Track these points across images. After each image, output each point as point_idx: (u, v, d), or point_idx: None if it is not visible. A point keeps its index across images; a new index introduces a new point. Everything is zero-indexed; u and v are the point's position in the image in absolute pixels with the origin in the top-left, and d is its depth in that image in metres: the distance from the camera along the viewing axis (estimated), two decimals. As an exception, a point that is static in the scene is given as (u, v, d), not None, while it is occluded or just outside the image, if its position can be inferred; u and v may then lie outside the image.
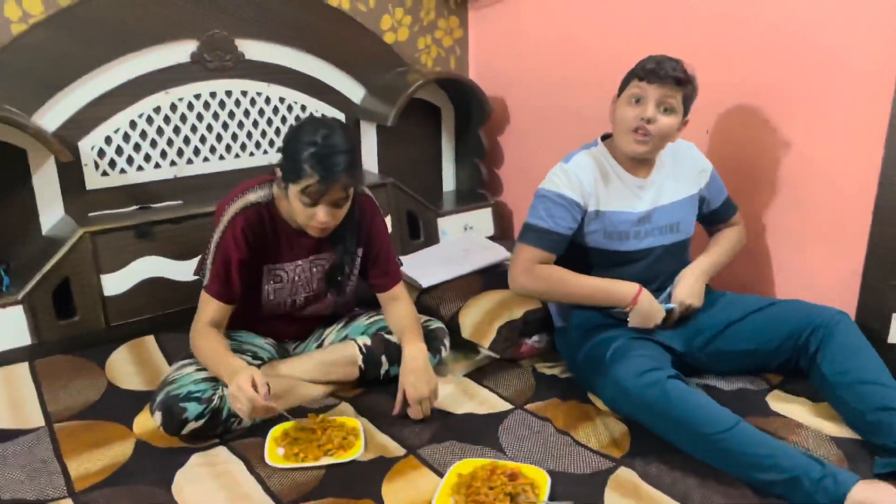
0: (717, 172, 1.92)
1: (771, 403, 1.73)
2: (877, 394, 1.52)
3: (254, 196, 1.70)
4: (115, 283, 2.08)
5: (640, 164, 1.81)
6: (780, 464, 1.39)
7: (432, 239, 2.69)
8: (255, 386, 1.51)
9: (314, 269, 1.81)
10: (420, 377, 1.70)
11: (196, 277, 1.81)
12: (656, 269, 1.84)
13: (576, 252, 1.84)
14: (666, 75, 1.67)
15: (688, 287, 1.82)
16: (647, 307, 1.76)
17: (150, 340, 2.10)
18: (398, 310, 1.86)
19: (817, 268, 2.00)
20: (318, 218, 1.62)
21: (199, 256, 1.80)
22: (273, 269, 1.77)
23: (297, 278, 1.80)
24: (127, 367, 1.98)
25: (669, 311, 1.79)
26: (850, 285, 1.89)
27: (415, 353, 1.74)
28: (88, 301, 2.05)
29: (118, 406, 1.78)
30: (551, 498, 1.41)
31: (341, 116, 2.58)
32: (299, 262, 1.79)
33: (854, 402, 1.55)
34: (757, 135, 2.04)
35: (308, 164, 1.55)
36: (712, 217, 1.96)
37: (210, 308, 1.70)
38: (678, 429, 1.50)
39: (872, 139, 1.79)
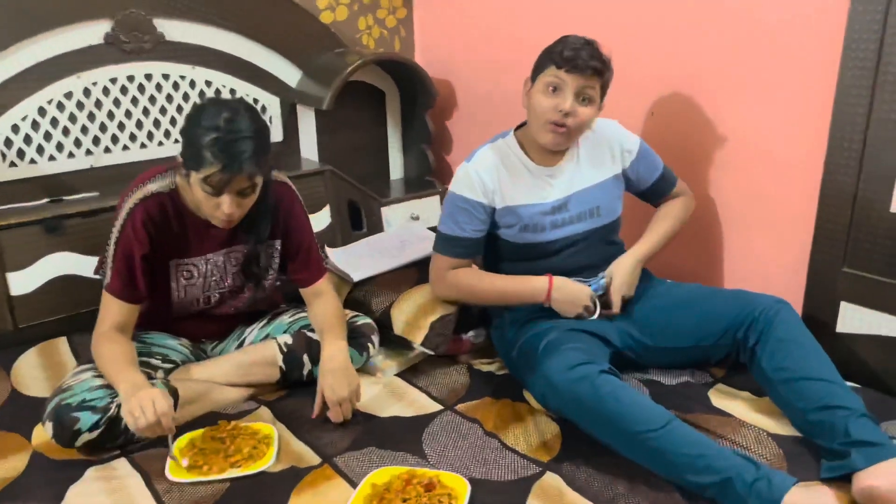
0: (647, 147, 1.81)
1: (713, 399, 1.64)
2: (819, 391, 1.43)
3: (154, 186, 1.57)
4: (23, 282, 1.93)
5: (550, 152, 1.71)
6: (712, 465, 1.30)
7: (376, 229, 2.57)
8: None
9: (228, 264, 1.69)
10: (339, 378, 1.59)
11: (98, 277, 1.68)
12: (581, 257, 1.75)
13: (495, 246, 1.75)
14: (585, 65, 1.57)
15: (622, 277, 1.73)
16: (565, 292, 1.68)
17: (61, 343, 1.96)
18: (321, 306, 1.74)
19: (763, 254, 1.91)
20: (223, 209, 1.49)
21: (100, 256, 1.67)
22: (181, 263, 1.64)
23: (209, 273, 1.68)
24: (34, 371, 1.84)
25: (598, 294, 1.71)
26: (798, 272, 1.81)
27: (333, 352, 1.63)
28: (-7, 302, 1.91)
29: (19, 414, 1.65)
30: (470, 508, 1.31)
31: (275, 101, 2.45)
32: (210, 256, 1.66)
33: (795, 400, 1.46)
34: (702, 117, 1.94)
35: (209, 152, 1.42)
36: (650, 194, 1.87)
37: (113, 309, 1.57)
38: (608, 427, 1.40)
39: (818, 121, 1.70)
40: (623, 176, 1.80)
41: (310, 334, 1.73)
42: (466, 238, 1.72)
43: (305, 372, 1.72)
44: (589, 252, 1.75)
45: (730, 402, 1.62)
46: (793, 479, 1.28)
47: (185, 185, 1.56)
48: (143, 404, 1.39)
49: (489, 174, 1.70)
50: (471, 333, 1.90)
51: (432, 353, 1.83)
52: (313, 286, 1.75)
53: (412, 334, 1.81)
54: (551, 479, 1.39)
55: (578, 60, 1.56)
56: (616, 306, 1.72)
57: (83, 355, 1.87)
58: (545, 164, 1.72)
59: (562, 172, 1.73)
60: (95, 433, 1.46)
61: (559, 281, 1.68)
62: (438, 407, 1.66)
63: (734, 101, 1.87)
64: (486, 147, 1.76)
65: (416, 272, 2.00)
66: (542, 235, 1.72)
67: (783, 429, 1.51)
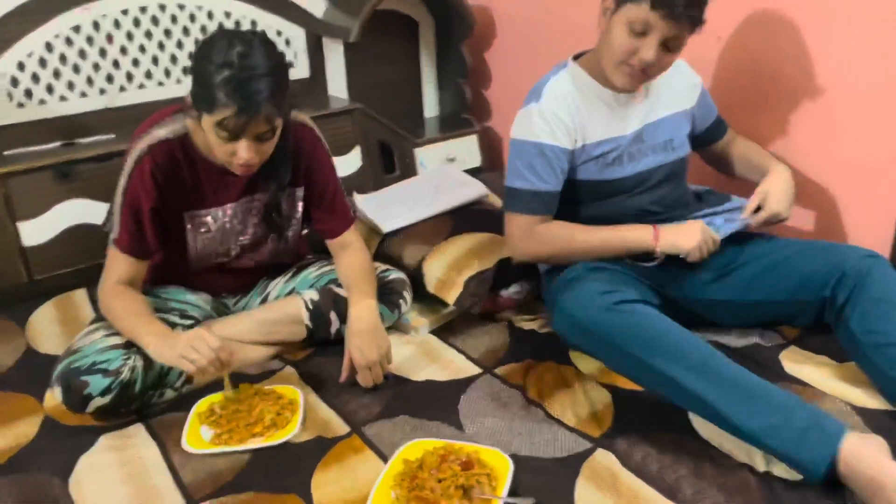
0: (705, 89, 1.65)
1: (785, 364, 1.46)
2: None
3: (162, 131, 1.42)
4: (36, 232, 1.83)
5: None
6: (760, 408, 1.17)
7: (410, 173, 2.40)
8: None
9: (247, 214, 1.55)
10: (368, 339, 1.45)
11: (106, 230, 1.55)
12: (657, 196, 1.56)
13: (570, 187, 1.55)
14: (682, 13, 1.33)
15: (779, 192, 1.51)
16: (675, 227, 1.48)
17: (79, 295, 1.87)
18: (348, 259, 1.59)
19: (845, 202, 1.69)
20: (240, 155, 1.33)
21: (109, 206, 1.53)
22: (196, 216, 1.50)
23: (227, 225, 1.53)
24: (51, 326, 1.75)
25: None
26: (884, 222, 1.59)
27: (361, 312, 1.49)
28: (4, 252, 1.80)
29: (34, 374, 1.56)
30: (512, 489, 1.17)
31: (300, 33, 2.26)
32: (228, 207, 1.52)
33: (889, 368, 1.28)
34: (777, 43, 1.70)
35: (222, 92, 1.26)
36: (705, 137, 1.69)
37: (120, 265, 1.45)
38: (636, 361, 1.27)
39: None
40: (691, 112, 1.62)
41: (337, 290, 1.59)
42: (548, 192, 1.50)
43: (333, 330, 1.59)
44: (662, 193, 1.57)
45: (806, 367, 1.44)
46: (844, 424, 1.16)
47: (196, 128, 1.40)
48: (194, 345, 1.29)
49: (567, 111, 1.50)
50: (511, 289, 1.74)
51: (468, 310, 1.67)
52: (340, 237, 1.60)
53: (445, 293, 1.65)
54: (603, 458, 1.24)
55: (678, 7, 1.32)
56: (757, 220, 1.51)
57: (101, 309, 1.77)
58: (620, 92, 1.51)
59: (636, 102, 1.54)
60: (108, 398, 1.35)
61: (666, 227, 1.49)
62: (476, 370, 1.52)
63: (815, 26, 1.62)
64: (554, 81, 1.53)
65: (451, 221, 1.83)
66: (620, 170, 1.53)
67: (871, 401, 1.33)
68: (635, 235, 1.49)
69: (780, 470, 1.19)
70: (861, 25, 1.56)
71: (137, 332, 1.37)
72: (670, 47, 1.39)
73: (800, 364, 1.46)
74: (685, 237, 1.46)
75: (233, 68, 1.25)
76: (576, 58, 1.56)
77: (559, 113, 1.49)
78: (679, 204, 1.60)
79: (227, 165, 1.39)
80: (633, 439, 1.28)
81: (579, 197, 1.57)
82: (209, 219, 1.51)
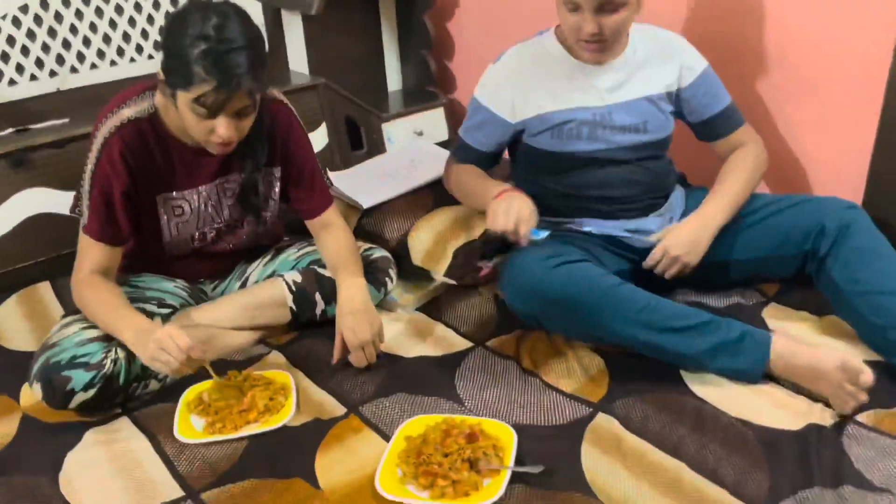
0: (714, 76, 1.57)
1: (769, 321, 1.49)
2: None
3: (130, 111, 1.35)
4: (-6, 224, 1.74)
5: None
6: (699, 332, 1.32)
7: (377, 149, 2.35)
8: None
9: (222, 196, 1.49)
10: (360, 319, 1.43)
11: (74, 216, 1.48)
12: (623, 173, 1.53)
13: (529, 155, 1.57)
14: None
15: (684, 234, 1.47)
16: (510, 202, 1.39)
17: (44, 288, 1.78)
18: (331, 239, 1.56)
19: (819, 157, 1.73)
20: (219, 133, 1.28)
21: (75, 191, 1.46)
22: (170, 199, 1.44)
23: (202, 207, 1.48)
24: (16, 322, 1.67)
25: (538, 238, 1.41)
26: (858, 173, 1.63)
27: (351, 292, 1.46)
28: (-39, 247, 1.71)
29: (4, 371, 1.50)
30: (518, 459, 1.17)
31: (256, 6, 2.18)
32: (202, 189, 1.46)
33: (872, 316, 1.32)
34: (748, 3, 1.71)
35: (200, 67, 1.19)
36: (707, 128, 1.59)
37: (93, 252, 1.38)
38: (585, 315, 1.35)
39: (888, 14, 1.48)
40: (677, 96, 1.56)
41: (321, 271, 1.56)
42: (471, 147, 1.61)
43: (318, 312, 1.55)
44: (632, 168, 1.54)
45: (789, 323, 1.48)
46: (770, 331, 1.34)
47: (167, 106, 1.34)
48: (164, 346, 1.23)
49: (510, 81, 1.53)
50: (495, 260, 1.73)
51: (455, 283, 1.66)
52: (320, 216, 1.56)
53: (433, 264, 1.64)
54: (605, 421, 1.25)
55: None
56: (658, 269, 1.49)
57: (70, 301, 1.69)
58: (591, 62, 1.50)
59: (609, 75, 1.51)
60: (91, 392, 1.29)
61: (514, 193, 1.43)
62: (468, 344, 1.51)
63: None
64: (518, 47, 1.55)
65: (431, 195, 1.80)
66: (577, 144, 1.51)
67: (854, 351, 1.37)
68: (485, 190, 1.49)
69: (772, 420, 1.22)
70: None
71: (115, 327, 1.32)
72: (607, 11, 1.38)
73: (782, 320, 1.49)
74: (502, 216, 1.38)
75: (210, 41, 1.20)
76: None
77: (501, 82, 1.54)
78: (653, 188, 1.57)
79: (203, 144, 1.34)
80: (630, 401, 1.29)
81: (541, 167, 1.57)
82: (183, 202, 1.46)
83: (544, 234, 1.39)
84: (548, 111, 1.51)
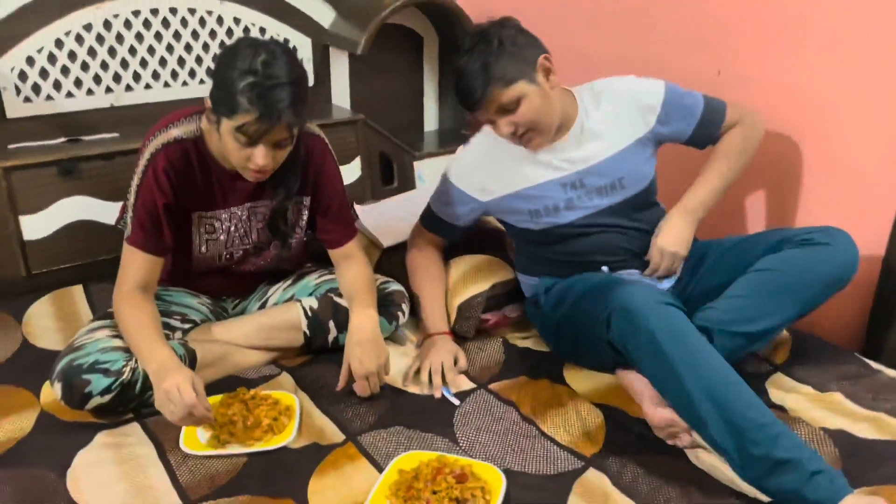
0: (676, 91, 1.57)
1: (771, 391, 1.50)
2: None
3: (178, 131, 1.44)
4: (37, 226, 1.83)
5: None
6: (775, 439, 1.15)
7: (407, 185, 2.43)
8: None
9: (253, 219, 1.57)
10: (367, 350, 1.48)
11: (120, 227, 1.56)
12: (612, 235, 1.57)
13: (519, 232, 1.64)
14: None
15: (671, 233, 1.55)
16: (432, 347, 1.58)
17: (76, 291, 1.87)
18: (350, 270, 1.62)
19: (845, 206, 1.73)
20: (256, 161, 1.35)
21: (122, 203, 1.55)
22: (205, 217, 1.52)
23: (233, 228, 1.55)
24: (46, 321, 1.75)
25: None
26: (872, 264, 1.64)
27: (362, 322, 1.51)
28: (5, 245, 1.81)
29: (29, 368, 1.57)
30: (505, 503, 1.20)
31: (307, 42, 2.29)
32: (235, 210, 1.54)
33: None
34: (776, 78, 1.75)
35: (245, 98, 1.28)
36: (701, 139, 1.62)
37: (136, 263, 1.44)
38: (679, 364, 1.23)
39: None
40: (652, 136, 1.58)
41: (337, 299, 1.61)
42: (442, 221, 1.70)
43: (330, 339, 1.61)
44: (622, 230, 1.58)
45: (788, 395, 1.48)
46: (848, 488, 1.14)
47: (211, 131, 1.42)
48: (170, 396, 1.27)
49: (479, 163, 1.63)
50: (507, 308, 1.77)
51: (465, 336, 1.70)
52: (343, 248, 1.63)
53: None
54: (594, 477, 1.27)
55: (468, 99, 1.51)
56: (660, 269, 1.56)
57: (99, 307, 1.78)
58: (550, 143, 1.55)
59: (571, 146, 1.56)
60: (107, 397, 1.36)
61: (439, 339, 1.61)
62: (471, 385, 1.54)
63: (815, 61, 1.68)
64: (484, 130, 1.63)
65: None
66: (557, 218, 1.57)
67: (840, 425, 1.36)
68: (426, 323, 1.66)
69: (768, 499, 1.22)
70: (862, 62, 1.61)
71: (142, 355, 1.36)
72: (509, 110, 1.46)
73: (783, 392, 1.49)
74: (426, 359, 1.55)
75: (256, 76, 1.28)
76: None
77: (471, 163, 1.64)
78: (653, 224, 1.59)
79: (240, 170, 1.41)
80: (623, 459, 1.31)
81: (531, 241, 1.63)
82: (216, 221, 1.53)
83: (455, 400, 1.47)
84: (518, 189, 1.58)
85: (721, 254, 1.57)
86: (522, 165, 1.57)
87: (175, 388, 1.26)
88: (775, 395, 1.48)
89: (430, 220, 1.72)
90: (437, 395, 1.48)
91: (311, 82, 2.34)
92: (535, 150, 1.54)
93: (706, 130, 1.60)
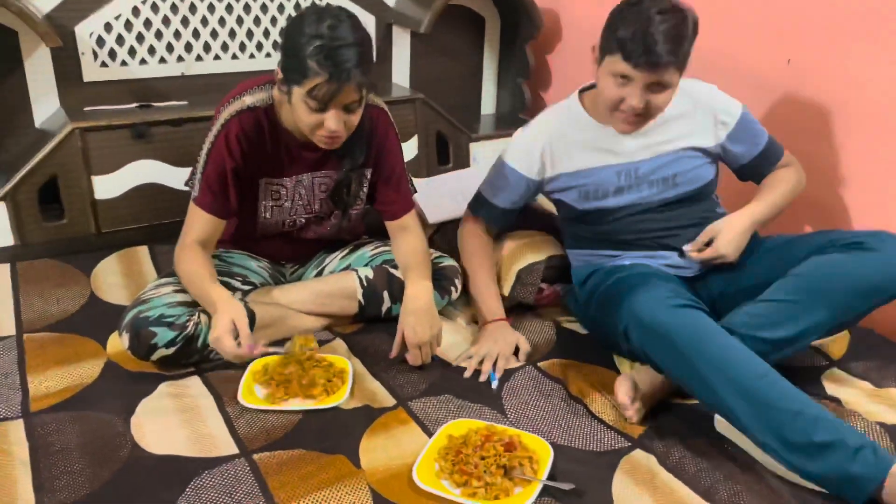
0: (749, 118, 1.58)
1: (826, 385, 1.47)
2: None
3: (251, 99, 1.48)
4: (108, 187, 1.91)
5: None
6: (813, 424, 1.16)
7: (462, 165, 2.45)
8: (236, 329, 1.35)
9: (316, 188, 1.61)
10: (421, 319, 1.50)
11: (187, 188, 1.62)
12: (653, 224, 1.57)
13: (561, 208, 1.65)
14: (657, 62, 1.35)
15: (734, 239, 1.51)
16: (498, 333, 1.58)
17: (142, 251, 1.95)
18: (406, 242, 1.65)
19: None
20: (328, 125, 1.38)
21: (192, 167, 1.60)
22: (271, 183, 1.56)
23: (297, 197, 1.60)
24: (114, 277, 1.83)
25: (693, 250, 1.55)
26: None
27: (417, 292, 1.54)
28: (77, 203, 1.89)
29: (96, 320, 1.64)
30: (551, 475, 1.21)
31: (371, 20, 2.32)
32: (300, 178, 1.58)
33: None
34: (846, 70, 1.71)
35: (314, 61, 1.32)
36: (751, 171, 1.62)
37: (199, 222, 1.50)
38: (704, 367, 1.24)
39: None
40: (717, 150, 1.58)
41: (392, 270, 1.64)
42: (495, 206, 1.68)
43: (384, 308, 1.64)
44: (668, 216, 1.57)
45: (844, 390, 1.46)
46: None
47: (282, 101, 1.46)
48: (217, 345, 1.36)
49: (541, 146, 1.60)
50: (556, 286, 1.78)
51: (518, 302, 1.72)
52: (400, 219, 1.66)
53: (499, 283, 1.70)
54: (641, 457, 1.28)
55: (652, 57, 1.35)
56: (704, 259, 1.53)
57: (163, 266, 1.85)
58: (621, 133, 1.54)
59: (631, 137, 1.55)
60: (171, 350, 1.42)
61: (498, 326, 1.60)
62: (520, 362, 1.56)
63: (887, 53, 1.63)
64: (548, 112, 1.65)
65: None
66: (604, 202, 1.57)
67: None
68: (480, 309, 1.65)
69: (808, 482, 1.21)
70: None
71: (198, 295, 1.44)
72: (656, 90, 1.41)
73: (839, 386, 1.47)
74: (492, 343, 1.55)
75: (323, 38, 1.31)
76: (585, 90, 1.61)
77: (531, 144, 1.61)
78: (691, 228, 1.57)
79: (313, 139, 1.44)
80: (670, 442, 1.31)
81: (573, 218, 1.64)
82: (281, 188, 1.57)
83: (494, 384, 1.47)
84: (573, 170, 1.58)
85: (765, 252, 1.55)
86: (583, 149, 1.58)
87: (218, 340, 1.35)
88: (830, 388, 1.46)
89: (482, 206, 1.71)
90: (483, 378, 1.50)
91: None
92: (630, 130, 1.51)
93: (764, 161, 1.61)
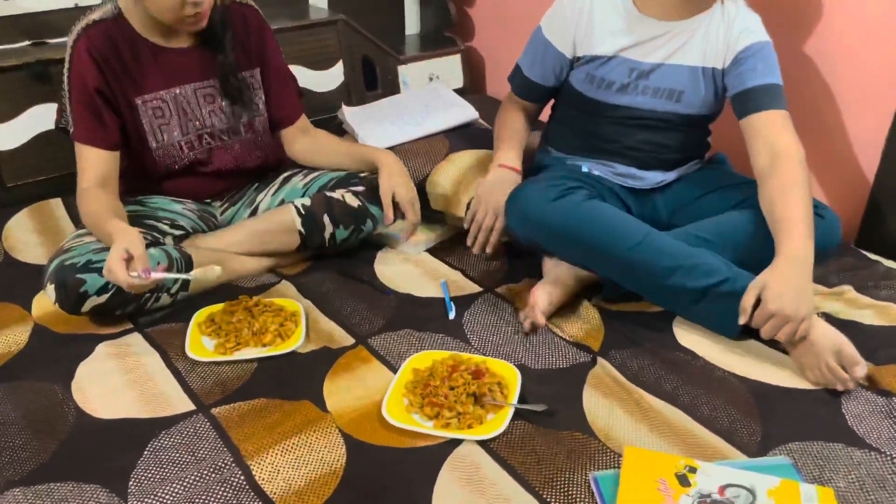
0: (772, 53, 1.43)
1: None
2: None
3: (95, 14, 1.41)
4: (8, 136, 1.74)
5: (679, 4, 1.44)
6: (691, 273, 1.31)
7: (391, 90, 2.34)
8: (130, 258, 1.21)
9: (201, 100, 1.52)
10: (406, 179, 1.58)
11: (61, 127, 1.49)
12: (646, 138, 1.52)
13: (565, 87, 1.59)
14: None
15: (781, 286, 1.21)
16: (499, 184, 1.52)
17: (55, 204, 1.80)
18: (318, 137, 1.66)
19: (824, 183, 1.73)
20: None
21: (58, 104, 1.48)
22: (147, 100, 1.46)
23: (182, 113, 1.50)
24: (27, 235, 1.68)
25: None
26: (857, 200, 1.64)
27: (387, 157, 1.60)
28: (-25, 156, 1.71)
29: (16, 283, 1.52)
30: (522, 398, 1.20)
31: (281, -63, 2.14)
32: (179, 90, 1.49)
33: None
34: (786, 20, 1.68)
35: None
36: (743, 102, 1.42)
37: (89, 160, 1.41)
38: (584, 250, 1.38)
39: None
40: (721, 75, 1.47)
41: (329, 194, 1.56)
42: (525, 77, 1.61)
43: (327, 235, 1.56)
44: (656, 135, 1.52)
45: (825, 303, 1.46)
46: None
47: (130, 7, 1.40)
48: (110, 265, 1.20)
49: (574, 17, 1.49)
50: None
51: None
52: (299, 121, 1.64)
53: (453, 209, 1.66)
54: (605, 369, 1.28)
55: None
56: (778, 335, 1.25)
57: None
58: (658, 17, 1.45)
59: (675, 35, 1.45)
60: (104, 297, 1.32)
61: (509, 175, 1.55)
62: (477, 288, 1.53)
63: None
64: None
65: (446, 142, 1.80)
66: (605, 94, 1.50)
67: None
68: (497, 146, 1.62)
69: (765, 376, 1.25)
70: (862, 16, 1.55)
71: (100, 237, 1.33)
72: None
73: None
74: (487, 196, 1.52)
75: None
76: None
77: (568, 16, 1.50)
78: (683, 149, 1.55)
79: (177, 24, 1.38)
80: (627, 353, 1.32)
81: (572, 103, 1.58)
82: (162, 104, 1.48)
83: (452, 312, 1.44)
84: (593, 54, 1.49)
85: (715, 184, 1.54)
86: (615, 32, 1.47)
87: (110, 270, 1.20)
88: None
89: (514, 75, 1.63)
90: (490, 251, 1.54)
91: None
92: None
93: (756, 98, 1.40)
